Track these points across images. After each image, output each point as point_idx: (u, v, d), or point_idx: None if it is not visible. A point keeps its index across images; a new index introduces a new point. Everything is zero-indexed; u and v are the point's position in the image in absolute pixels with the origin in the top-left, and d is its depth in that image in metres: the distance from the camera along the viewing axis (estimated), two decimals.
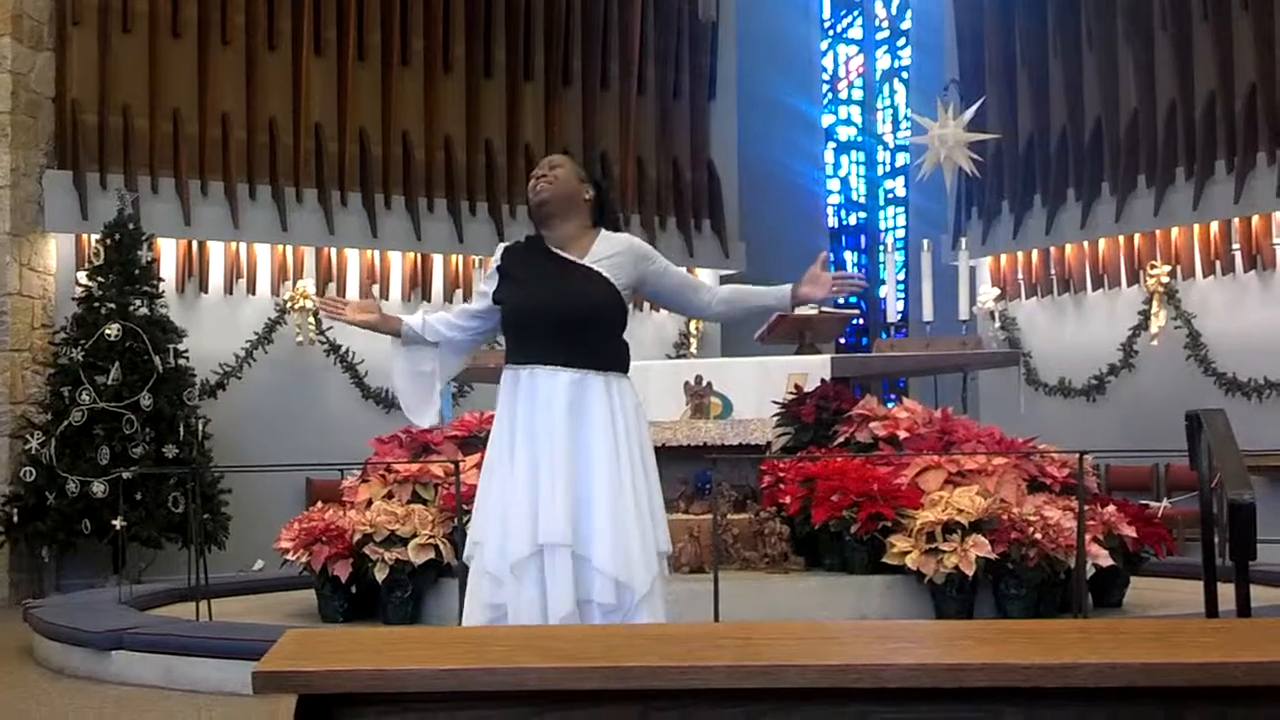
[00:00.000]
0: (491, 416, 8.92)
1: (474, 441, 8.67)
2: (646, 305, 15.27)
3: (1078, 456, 7.32)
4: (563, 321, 4.44)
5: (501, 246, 4.75)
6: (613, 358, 4.52)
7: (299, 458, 10.75)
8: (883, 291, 16.43)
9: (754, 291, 4.78)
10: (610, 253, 4.53)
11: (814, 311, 10.17)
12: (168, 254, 12.89)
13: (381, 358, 13.26)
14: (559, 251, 4.53)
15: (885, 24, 19.13)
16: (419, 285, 14.05)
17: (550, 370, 4.43)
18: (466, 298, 13.80)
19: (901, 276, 16.63)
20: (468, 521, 7.53)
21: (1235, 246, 12.92)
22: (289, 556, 8.13)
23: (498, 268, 4.65)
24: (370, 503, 8.21)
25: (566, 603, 4.30)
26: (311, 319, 13.32)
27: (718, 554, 7.34)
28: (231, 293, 13.28)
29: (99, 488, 10.98)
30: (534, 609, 4.32)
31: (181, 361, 11.78)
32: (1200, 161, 12.98)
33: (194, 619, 7.85)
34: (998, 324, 14.79)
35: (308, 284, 13.34)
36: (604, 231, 4.62)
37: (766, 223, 16.51)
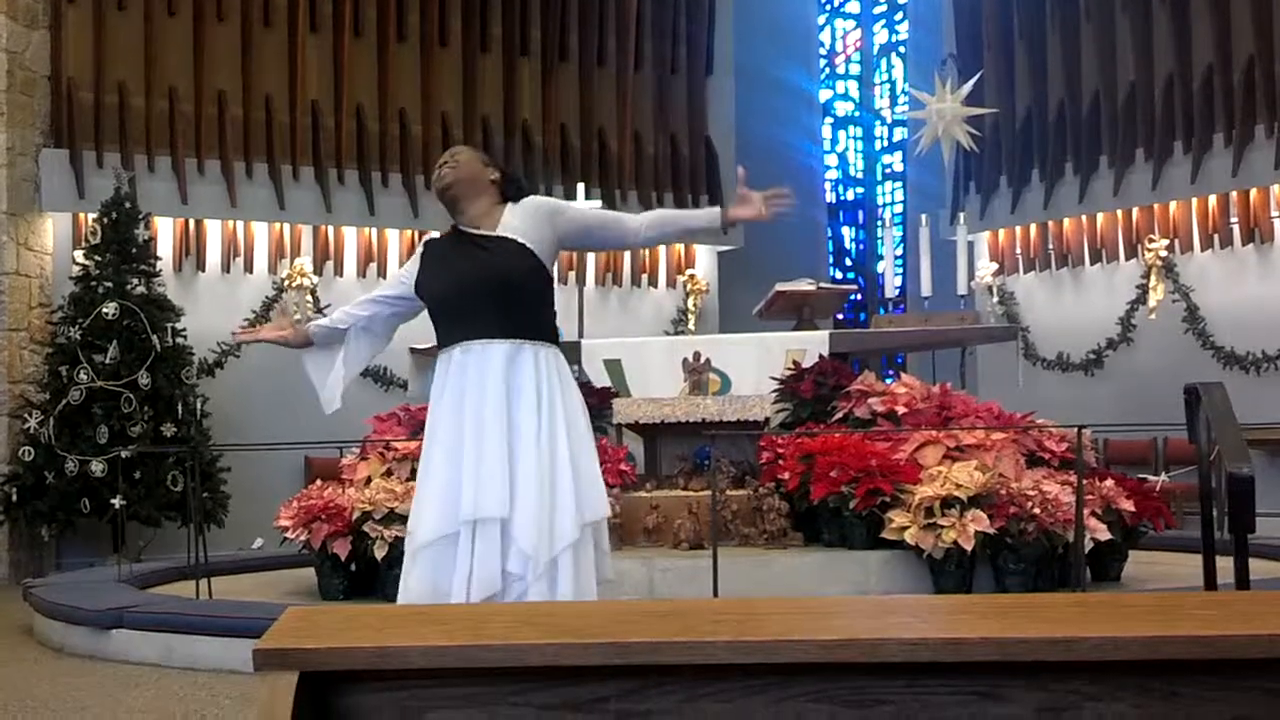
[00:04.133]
0: None
1: None
2: (645, 281, 15.29)
3: (1076, 431, 7.32)
4: (486, 293, 4.41)
5: (425, 238, 4.80)
6: (540, 329, 4.48)
7: (298, 436, 10.74)
8: (881, 267, 16.44)
9: (682, 214, 4.73)
10: (520, 218, 4.49)
11: (812, 288, 10.17)
12: (165, 232, 12.88)
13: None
14: (472, 230, 4.52)
15: None
16: None
17: (482, 344, 4.40)
18: None
19: (899, 252, 16.61)
20: None
21: (1233, 220, 12.92)
22: (288, 534, 8.14)
23: (420, 255, 4.67)
24: (369, 480, 8.22)
25: (494, 579, 4.26)
26: (309, 296, 13.31)
27: (716, 530, 7.35)
28: (229, 271, 13.26)
29: (98, 466, 10.99)
30: (443, 587, 4.29)
31: (179, 340, 11.77)
32: (1198, 135, 12.96)
33: (194, 597, 7.86)
34: (996, 299, 14.78)
35: (305, 262, 13.33)
36: (511, 205, 4.56)
37: None
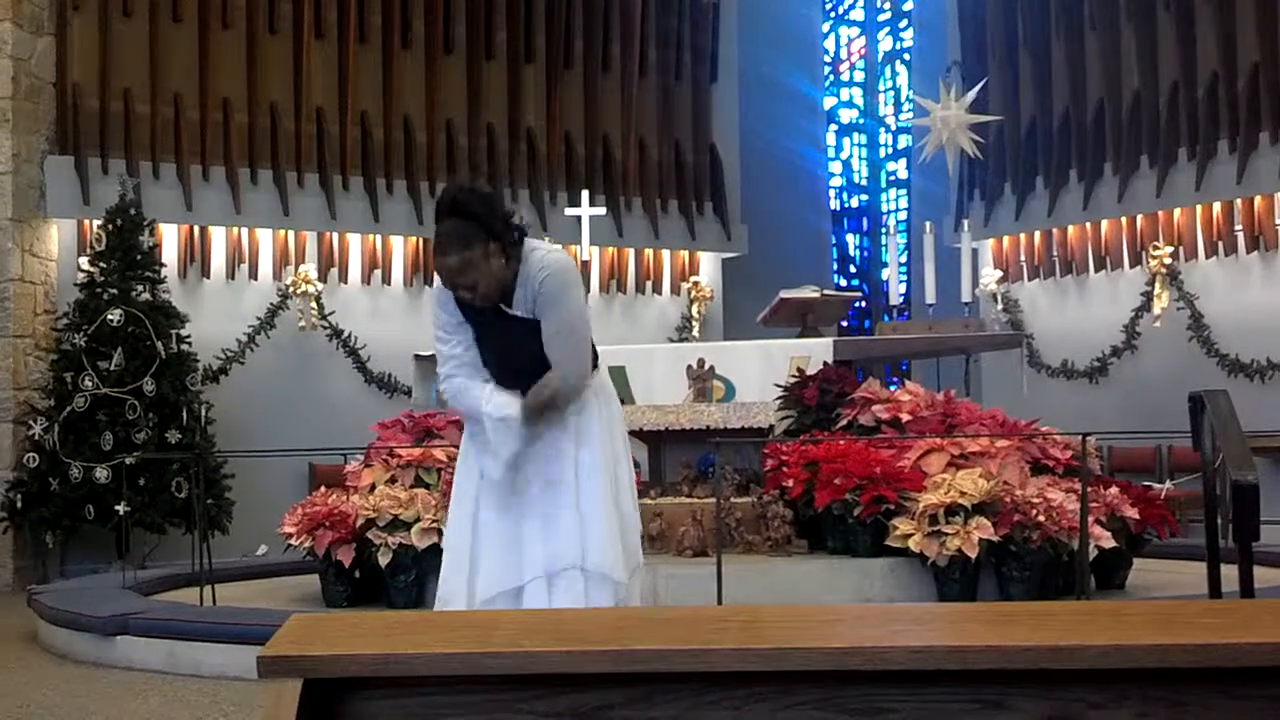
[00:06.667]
0: None
1: None
2: (649, 288, 15.30)
3: (1081, 438, 7.32)
4: (523, 372, 4.38)
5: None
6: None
7: (302, 442, 10.75)
8: (885, 274, 16.43)
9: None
10: (527, 297, 4.31)
11: (816, 295, 10.17)
12: (169, 239, 12.89)
13: (385, 344, 13.38)
14: (502, 306, 4.37)
15: (887, 5, 19.09)
16: (420, 269, 14.03)
17: None
18: None
19: (904, 259, 16.59)
20: None
21: (1237, 227, 12.91)
22: (292, 541, 8.14)
23: (457, 306, 4.40)
24: (373, 487, 8.22)
25: None
26: (314, 304, 13.32)
27: (721, 537, 7.34)
28: (234, 278, 13.27)
29: (102, 473, 10.99)
30: None
31: (184, 347, 11.78)
32: (1202, 142, 12.95)
33: (198, 604, 7.86)
34: (1000, 306, 14.78)
35: (310, 269, 13.34)
36: (522, 263, 4.31)
37: (768, 205, 16.49)
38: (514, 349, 4.39)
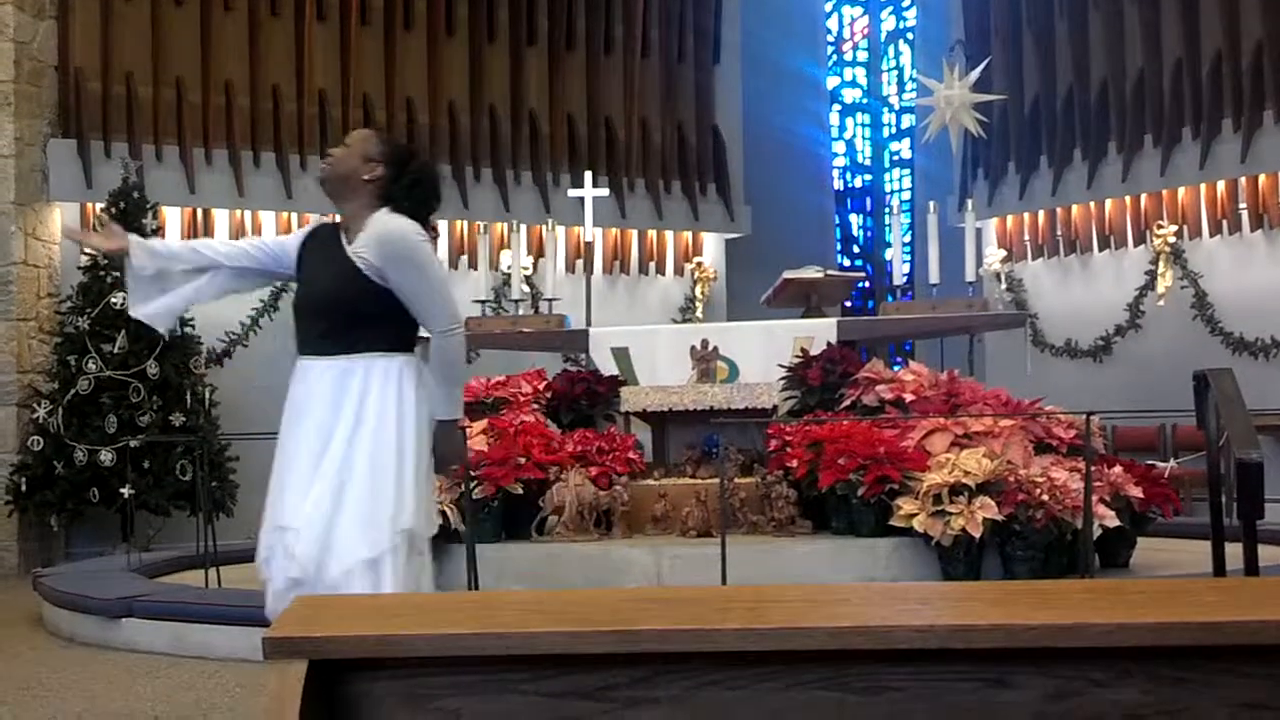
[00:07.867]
0: (497, 383, 9.00)
1: (480, 406, 8.67)
2: (653, 269, 15.30)
3: (1084, 417, 7.32)
4: (317, 313, 4.42)
5: (314, 223, 4.70)
6: (369, 341, 4.36)
7: None
8: (889, 254, 16.42)
9: (435, 387, 4.43)
10: (365, 243, 4.31)
11: (819, 275, 10.15)
12: (172, 222, 12.88)
13: None
14: (341, 236, 4.41)
15: None
16: None
17: (311, 360, 4.42)
18: (471, 264, 13.77)
19: (907, 239, 16.59)
20: (475, 487, 7.56)
21: (1242, 206, 12.89)
22: None
23: (304, 241, 4.56)
24: None
25: (283, 581, 4.25)
26: None
27: (725, 518, 7.35)
28: None
29: (107, 456, 11.01)
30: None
31: (187, 329, 11.78)
32: (1207, 121, 12.92)
33: (203, 586, 7.89)
34: (1004, 285, 14.73)
35: None
36: (380, 213, 4.36)
37: (772, 186, 16.47)
38: (320, 278, 4.42)
